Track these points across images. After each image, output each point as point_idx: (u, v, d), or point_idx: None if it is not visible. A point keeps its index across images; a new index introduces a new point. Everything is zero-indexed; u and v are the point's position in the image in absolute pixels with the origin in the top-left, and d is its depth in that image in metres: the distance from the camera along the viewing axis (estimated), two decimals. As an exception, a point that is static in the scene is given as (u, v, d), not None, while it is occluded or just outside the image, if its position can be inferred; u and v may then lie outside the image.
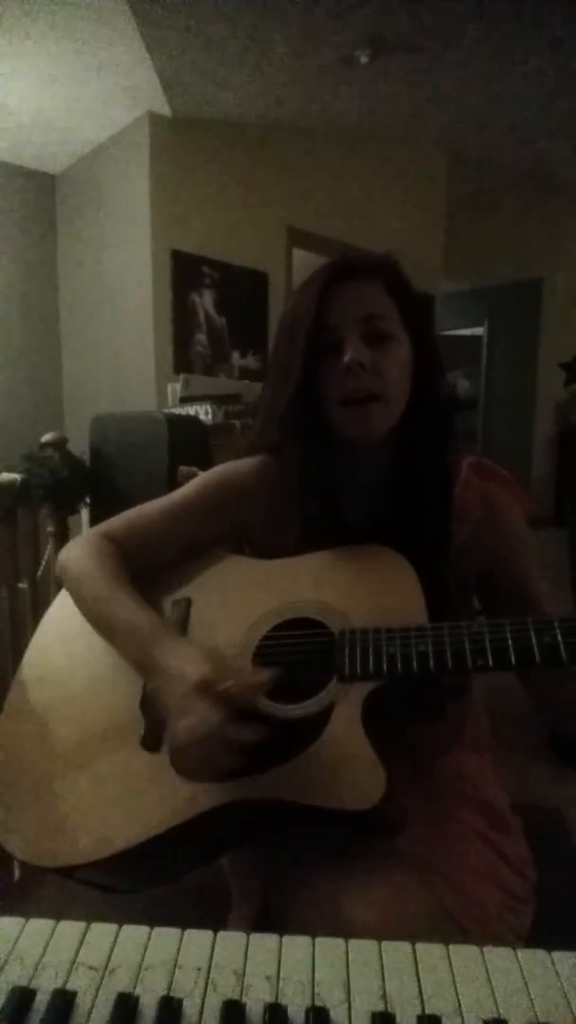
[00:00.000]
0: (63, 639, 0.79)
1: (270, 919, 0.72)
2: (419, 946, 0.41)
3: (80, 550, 0.78)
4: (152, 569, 0.80)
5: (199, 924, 0.43)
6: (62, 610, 0.81)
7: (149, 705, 0.68)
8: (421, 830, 0.68)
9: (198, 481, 0.84)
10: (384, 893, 0.60)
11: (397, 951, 0.41)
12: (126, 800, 0.63)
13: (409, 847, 0.66)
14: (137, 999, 0.38)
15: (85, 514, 2.10)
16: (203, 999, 0.38)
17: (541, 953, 0.41)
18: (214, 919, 0.48)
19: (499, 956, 0.41)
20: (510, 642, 0.59)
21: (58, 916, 0.44)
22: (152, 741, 0.66)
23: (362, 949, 0.41)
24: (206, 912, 0.77)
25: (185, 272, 3.45)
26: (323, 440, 0.75)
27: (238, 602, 0.76)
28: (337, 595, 0.71)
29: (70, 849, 0.61)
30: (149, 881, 0.71)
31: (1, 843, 0.63)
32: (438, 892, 0.63)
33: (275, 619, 0.72)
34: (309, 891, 0.62)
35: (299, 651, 0.68)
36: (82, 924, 0.43)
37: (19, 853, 0.62)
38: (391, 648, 0.62)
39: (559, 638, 0.57)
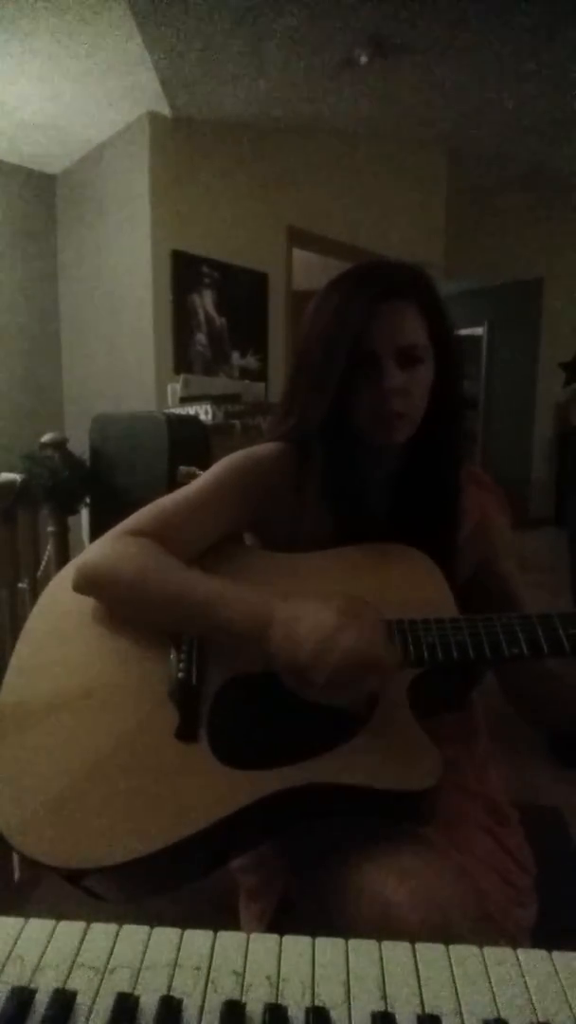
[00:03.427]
0: (61, 638, 0.75)
1: (289, 914, 0.72)
2: (419, 946, 0.41)
3: (124, 548, 0.74)
4: None
5: (199, 924, 0.43)
6: (54, 608, 0.78)
7: (180, 695, 0.67)
8: (435, 826, 0.68)
9: (220, 470, 0.82)
10: (427, 880, 0.60)
11: (397, 951, 0.41)
12: (164, 795, 0.60)
13: (436, 838, 0.67)
14: (137, 999, 0.38)
15: (85, 514, 2.10)
16: (203, 999, 0.38)
17: (541, 953, 0.41)
18: (215, 919, 0.48)
19: (499, 956, 0.41)
20: (540, 632, 0.64)
21: (58, 916, 0.44)
22: (188, 731, 0.64)
23: (362, 949, 0.41)
24: (207, 912, 0.77)
25: (185, 272, 3.45)
26: (352, 441, 0.79)
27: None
28: (367, 589, 0.72)
29: (100, 848, 0.56)
30: (161, 887, 0.65)
31: (16, 844, 0.58)
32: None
33: None
34: (346, 882, 0.61)
35: None
36: (82, 924, 0.43)
37: (40, 855, 0.57)
38: (430, 637, 0.66)
39: None
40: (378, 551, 0.78)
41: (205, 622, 0.69)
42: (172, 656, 0.70)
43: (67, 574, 0.78)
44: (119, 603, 0.74)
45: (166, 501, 0.81)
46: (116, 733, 0.65)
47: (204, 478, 0.82)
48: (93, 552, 0.75)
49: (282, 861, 0.74)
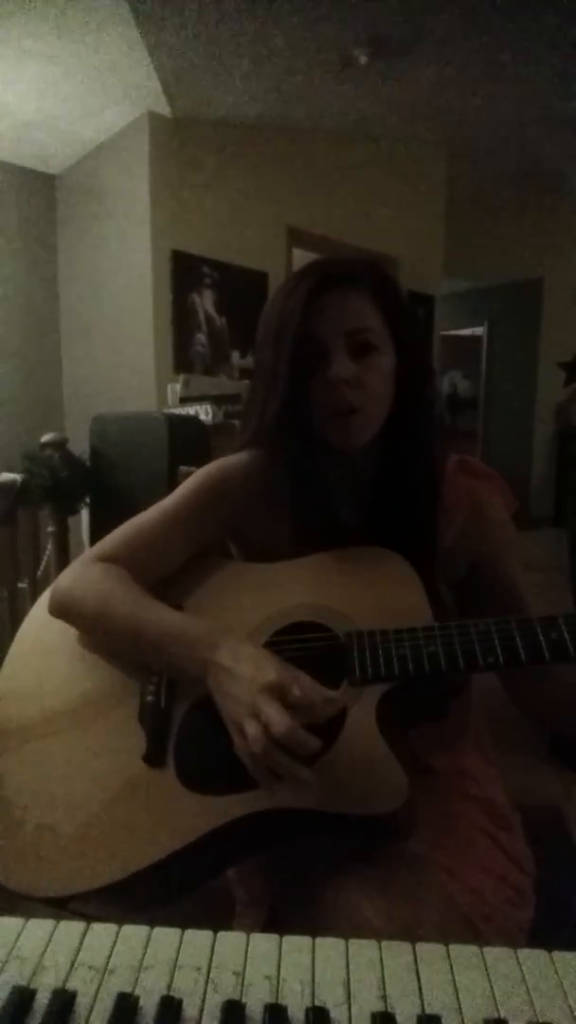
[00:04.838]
0: (41, 662, 0.76)
1: (278, 926, 0.71)
2: (419, 946, 0.41)
3: (90, 576, 0.74)
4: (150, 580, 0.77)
5: (199, 924, 0.43)
6: (37, 631, 0.78)
7: (149, 718, 0.66)
8: (428, 829, 0.67)
9: (189, 485, 0.82)
10: (399, 897, 0.59)
11: (397, 951, 0.41)
12: (133, 820, 0.60)
13: (418, 848, 0.65)
14: (137, 999, 0.38)
15: (85, 514, 2.10)
16: (203, 999, 0.38)
17: (541, 953, 0.41)
18: (215, 919, 0.48)
19: (499, 956, 0.41)
20: (518, 639, 0.60)
21: (58, 916, 0.44)
22: (155, 756, 0.63)
23: (362, 949, 0.41)
24: (207, 912, 0.77)
25: (185, 272, 3.45)
26: (313, 443, 0.75)
27: (236, 608, 0.74)
28: (339, 598, 0.70)
29: (76, 875, 0.57)
30: (146, 906, 0.64)
31: None
32: (450, 890, 0.62)
33: (275, 624, 0.71)
34: (321, 898, 0.60)
35: (303, 656, 0.66)
36: (82, 924, 0.43)
37: (17, 885, 0.57)
38: (401, 649, 0.62)
39: (565, 634, 0.59)
40: (352, 557, 0.74)
41: (156, 657, 0.68)
42: (143, 679, 0.70)
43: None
44: (85, 631, 0.75)
45: (137, 521, 0.79)
46: (91, 758, 0.65)
47: (174, 495, 0.81)
48: (65, 578, 0.76)
49: (266, 876, 0.73)
